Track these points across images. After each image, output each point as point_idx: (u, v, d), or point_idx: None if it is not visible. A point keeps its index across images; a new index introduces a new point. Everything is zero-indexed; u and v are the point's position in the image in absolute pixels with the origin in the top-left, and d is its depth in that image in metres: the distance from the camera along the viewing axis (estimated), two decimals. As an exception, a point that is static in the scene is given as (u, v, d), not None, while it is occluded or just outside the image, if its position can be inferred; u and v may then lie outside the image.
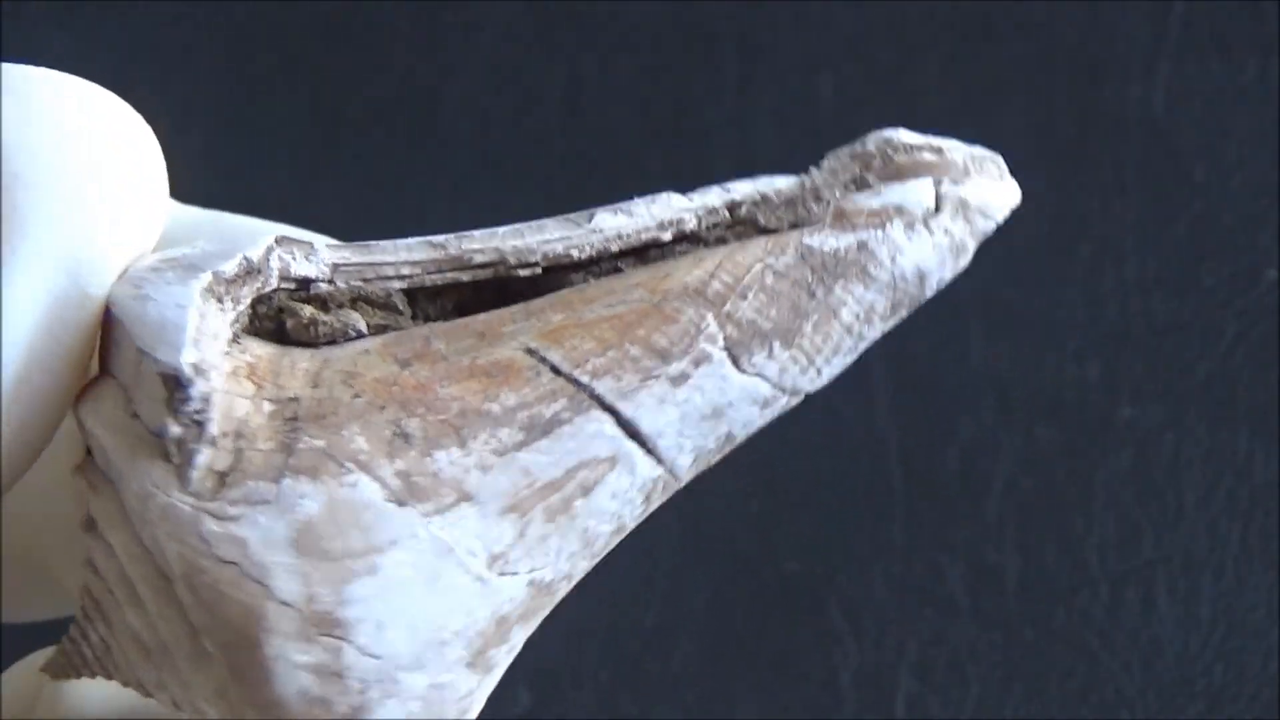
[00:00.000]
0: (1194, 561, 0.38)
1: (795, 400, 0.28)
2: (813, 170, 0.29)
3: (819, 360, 0.28)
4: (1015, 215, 0.30)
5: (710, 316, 0.27)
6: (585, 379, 0.26)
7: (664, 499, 0.28)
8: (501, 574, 0.25)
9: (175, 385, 0.23)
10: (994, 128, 0.43)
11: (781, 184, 0.28)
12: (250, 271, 0.25)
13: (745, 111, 0.43)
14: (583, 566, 0.27)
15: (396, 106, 0.36)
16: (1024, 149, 0.43)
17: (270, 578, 0.23)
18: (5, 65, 0.26)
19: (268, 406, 0.24)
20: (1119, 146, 0.43)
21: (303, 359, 0.25)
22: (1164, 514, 0.39)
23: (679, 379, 0.27)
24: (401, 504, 0.24)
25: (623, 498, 0.27)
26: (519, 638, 0.26)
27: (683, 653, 0.37)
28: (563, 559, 0.26)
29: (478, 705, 0.26)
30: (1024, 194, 0.28)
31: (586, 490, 0.26)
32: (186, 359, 0.24)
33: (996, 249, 0.42)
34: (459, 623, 0.25)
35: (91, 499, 0.25)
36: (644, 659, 0.36)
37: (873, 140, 0.29)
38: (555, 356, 0.27)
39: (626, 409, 0.26)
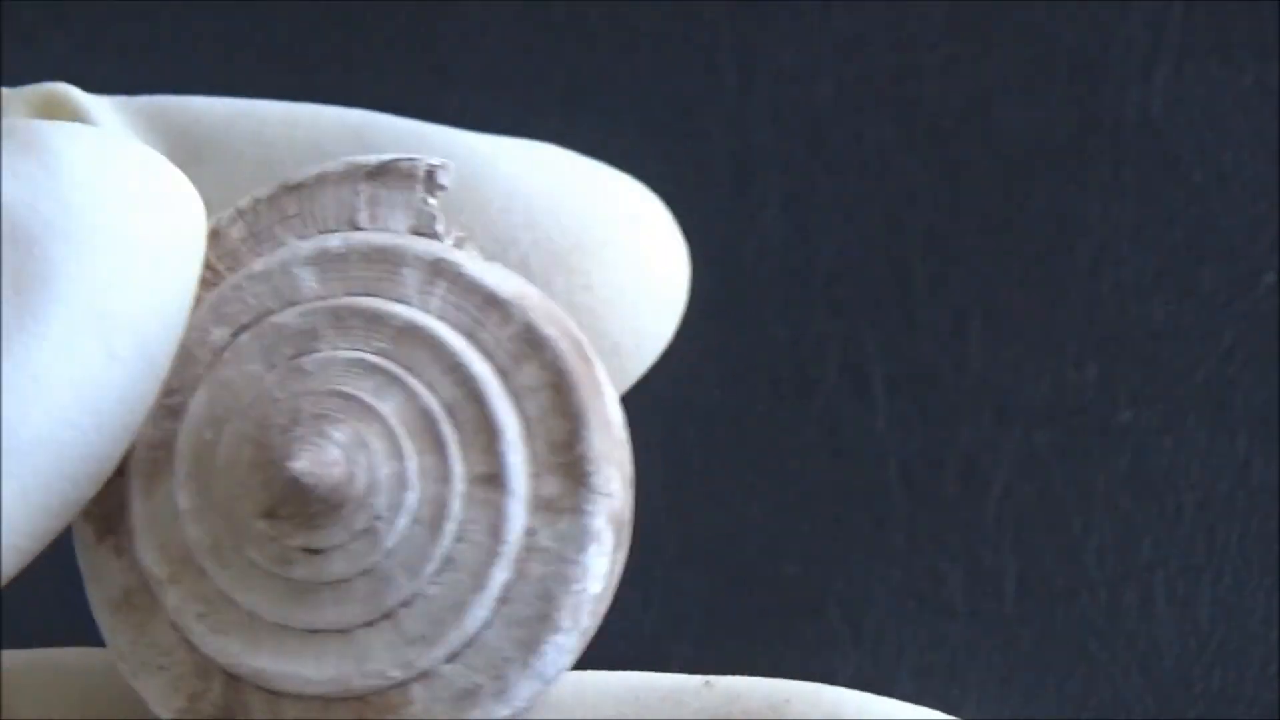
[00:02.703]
0: (1193, 565, 0.38)
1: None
2: None
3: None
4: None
5: None
6: None
7: None
8: None
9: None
10: (994, 128, 0.43)
11: None
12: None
13: (745, 112, 0.43)
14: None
15: (395, 112, 0.36)
16: (1023, 149, 0.43)
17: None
18: (46, 124, 0.26)
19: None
20: (1117, 149, 0.43)
21: None
22: (1162, 517, 0.39)
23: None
24: None
25: None
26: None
27: (680, 656, 0.37)
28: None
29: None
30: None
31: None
32: None
33: (996, 251, 0.42)
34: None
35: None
36: (640, 663, 0.36)
37: None
38: None
39: None
